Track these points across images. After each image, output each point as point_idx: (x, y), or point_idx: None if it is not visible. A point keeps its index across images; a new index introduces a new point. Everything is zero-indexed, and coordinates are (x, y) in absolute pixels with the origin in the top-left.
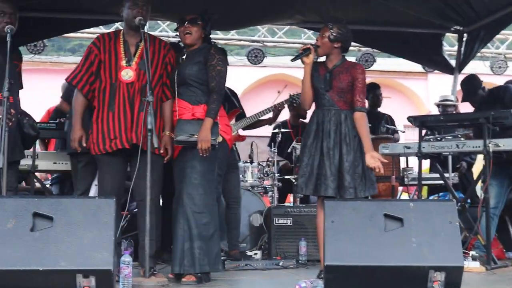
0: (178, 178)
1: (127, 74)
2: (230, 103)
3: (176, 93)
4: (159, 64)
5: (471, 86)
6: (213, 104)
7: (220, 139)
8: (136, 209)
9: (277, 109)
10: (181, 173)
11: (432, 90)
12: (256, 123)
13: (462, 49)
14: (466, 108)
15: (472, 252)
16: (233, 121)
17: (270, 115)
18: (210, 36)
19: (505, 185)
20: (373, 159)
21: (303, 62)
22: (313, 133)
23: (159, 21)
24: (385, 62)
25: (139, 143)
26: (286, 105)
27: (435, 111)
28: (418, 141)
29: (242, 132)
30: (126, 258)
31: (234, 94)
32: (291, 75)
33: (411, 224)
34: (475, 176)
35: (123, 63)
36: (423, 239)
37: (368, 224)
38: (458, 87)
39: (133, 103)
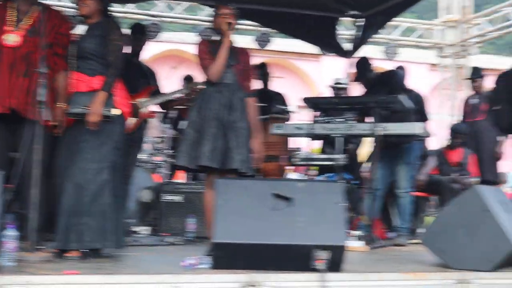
0: (70, 151)
1: (11, 39)
2: (145, 80)
3: (75, 66)
4: (52, 33)
5: (362, 67)
6: (109, 78)
7: (118, 111)
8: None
9: (192, 90)
10: (74, 146)
11: (325, 72)
12: (169, 102)
13: (357, 33)
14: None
15: (355, 232)
16: (146, 98)
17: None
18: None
19: (388, 168)
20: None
21: (225, 34)
22: (218, 105)
23: None
24: (279, 43)
25: (19, 110)
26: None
27: (327, 93)
28: (309, 122)
29: None
30: (10, 232)
31: (151, 72)
32: (187, 51)
33: (298, 204)
34: (362, 158)
35: (8, 27)
36: (309, 218)
37: (257, 203)
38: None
39: (13, 68)
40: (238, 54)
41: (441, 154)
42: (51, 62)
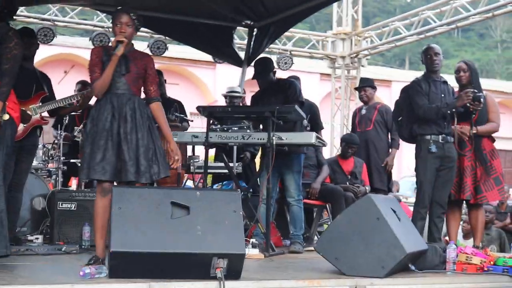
0: None
1: None
2: (38, 85)
3: None
4: None
5: (265, 67)
6: (5, 87)
7: (6, 117)
8: None
9: (85, 97)
10: None
11: (220, 79)
12: (61, 109)
13: (252, 43)
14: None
15: (252, 240)
16: (39, 103)
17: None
18: None
19: (276, 175)
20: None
21: (113, 54)
22: (110, 117)
23: None
24: (175, 49)
25: None
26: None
27: (221, 100)
28: (205, 131)
29: None
30: None
31: (45, 77)
32: (79, 55)
33: (197, 212)
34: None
35: None
36: (208, 227)
37: (155, 212)
38: (246, 79)
39: None
40: (134, 61)
41: (334, 163)
42: None
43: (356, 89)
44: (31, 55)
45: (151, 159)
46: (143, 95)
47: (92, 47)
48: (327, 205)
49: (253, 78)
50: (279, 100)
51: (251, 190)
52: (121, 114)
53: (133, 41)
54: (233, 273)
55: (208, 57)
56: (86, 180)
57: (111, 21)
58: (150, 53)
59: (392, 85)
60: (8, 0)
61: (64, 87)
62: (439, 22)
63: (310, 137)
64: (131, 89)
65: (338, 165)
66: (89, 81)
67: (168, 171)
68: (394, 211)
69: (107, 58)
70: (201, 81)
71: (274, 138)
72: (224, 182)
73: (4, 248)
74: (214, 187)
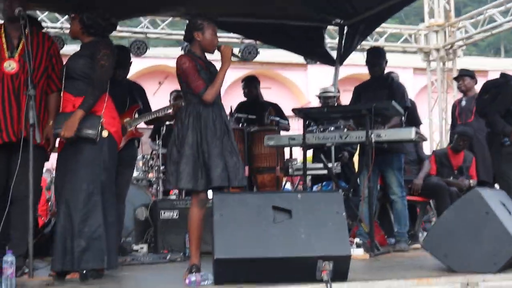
0: (61, 173)
1: (10, 66)
2: (132, 98)
3: (63, 86)
4: (44, 56)
5: (378, 54)
6: (89, 97)
7: (105, 133)
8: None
9: (177, 106)
10: (64, 168)
11: (312, 81)
12: (156, 119)
13: (343, 42)
14: (346, 99)
15: (356, 240)
16: (134, 116)
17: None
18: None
19: (376, 173)
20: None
21: (227, 60)
22: (215, 124)
23: (37, 11)
24: (265, 53)
25: (27, 137)
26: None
27: (314, 101)
28: (302, 133)
29: None
30: (9, 257)
31: (139, 89)
32: (172, 66)
33: (299, 216)
34: (355, 165)
35: (6, 54)
36: (311, 229)
37: (256, 217)
38: (339, 78)
39: (18, 96)
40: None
41: (443, 155)
42: (45, 85)
43: (454, 79)
44: (124, 69)
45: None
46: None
47: None
48: (430, 201)
49: (366, 63)
50: (382, 95)
51: (351, 190)
52: (222, 122)
53: None
54: (340, 275)
55: (299, 59)
56: (186, 189)
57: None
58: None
59: (488, 74)
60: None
61: (159, 98)
62: None
63: (409, 133)
64: (220, 98)
65: (447, 158)
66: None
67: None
68: (504, 204)
69: (199, 65)
70: (293, 83)
71: (372, 136)
72: (324, 183)
73: (101, 261)
74: (314, 188)
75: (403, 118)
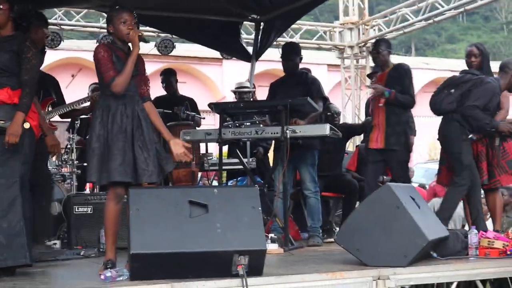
0: None
1: None
2: (45, 91)
3: None
4: None
5: (294, 49)
6: (26, 98)
7: (27, 125)
8: None
9: (94, 99)
10: None
11: (227, 76)
12: (72, 112)
13: (259, 37)
14: (262, 95)
15: (271, 235)
16: (47, 109)
17: (87, 104)
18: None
19: (290, 168)
20: (178, 146)
21: (135, 46)
22: (125, 119)
23: None
24: (180, 48)
25: None
26: None
27: (229, 97)
28: (218, 128)
29: None
30: None
31: (53, 81)
32: (86, 58)
33: (215, 210)
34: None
35: None
36: (227, 224)
37: (173, 211)
38: (255, 73)
39: None
40: (139, 62)
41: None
42: None
43: (368, 75)
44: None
45: (158, 158)
46: None
47: None
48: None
49: (280, 57)
50: (297, 92)
51: (266, 185)
52: (134, 115)
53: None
54: (255, 269)
55: (214, 54)
56: (103, 183)
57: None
58: (157, 53)
59: None
60: (25, 13)
61: (72, 91)
62: (446, 7)
63: (324, 129)
64: (137, 91)
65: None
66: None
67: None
68: (413, 199)
69: (116, 57)
70: (208, 78)
71: (288, 131)
72: (239, 178)
73: (23, 258)
74: (229, 183)
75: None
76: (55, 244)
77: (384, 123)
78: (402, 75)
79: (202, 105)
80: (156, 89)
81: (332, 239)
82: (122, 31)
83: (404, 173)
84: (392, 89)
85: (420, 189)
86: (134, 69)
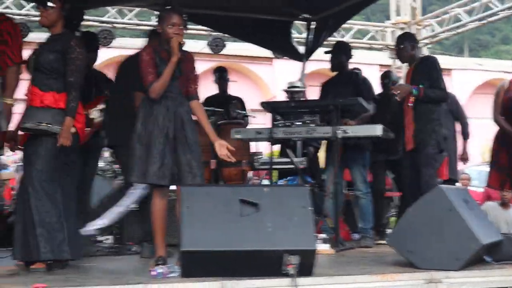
0: (25, 164)
1: None
2: (98, 89)
3: (31, 78)
4: None
5: (341, 48)
6: (73, 102)
7: (73, 130)
8: None
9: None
10: (27, 160)
11: (278, 75)
12: None
13: (310, 37)
14: (312, 94)
15: (321, 235)
16: (100, 107)
17: None
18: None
19: (341, 169)
20: (222, 147)
21: (174, 53)
22: (166, 121)
23: None
24: (232, 47)
25: None
26: None
27: (280, 96)
28: (269, 126)
29: None
30: None
31: (106, 79)
32: None
33: (266, 209)
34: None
35: None
36: (277, 223)
37: (224, 209)
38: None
39: None
40: (184, 62)
41: None
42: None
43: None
44: (91, 59)
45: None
46: None
47: None
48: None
49: (325, 52)
50: (348, 92)
51: (317, 185)
52: (176, 117)
53: (192, 40)
54: (305, 269)
55: (266, 53)
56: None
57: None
58: (209, 51)
59: (452, 73)
60: (76, 11)
61: None
62: (501, 7)
63: (375, 130)
64: (182, 92)
65: None
66: None
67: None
68: (466, 202)
69: (160, 59)
70: (259, 77)
71: (339, 132)
72: (289, 178)
73: (63, 252)
74: (280, 182)
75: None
76: (107, 239)
77: (413, 122)
78: (429, 68)
79: (253, 104)
80: (207, 88)
81: (383, 241)
82: (168, 34)
83: (432, 175)
84: (420, 85)
85: (475, 191)
86: (176, 71)
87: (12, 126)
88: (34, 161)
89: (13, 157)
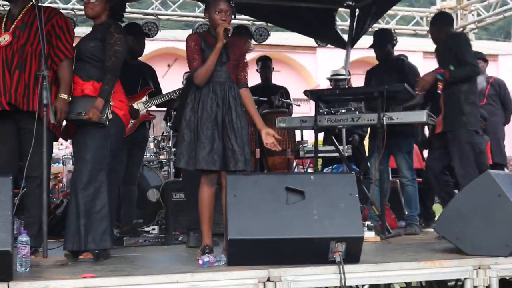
0: (74, 155)
1: (4, 39)
2: (144, 81)
3: (73, 68)
4: (47, 26)
5: (383, 37)
6: (107, 84)
7: (110, 116)
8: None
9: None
10: (75, 149)
11: (321, 64)
12: (169, 101)
13: (354, 24)
14: (357, 82)
15: (367, 222)
16: (145, 99)
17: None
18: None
19: (386, 156)
20: (269, 136)
21: (219, 39)
22: (214, 106)
23: None
24: (274, 36)
25: (18, 104)
26: None
27: (323, 84)
28: (314, 115)
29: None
30: (24, 237)
31: (151, 71)
32: (181, 48)
33: (312, 197)
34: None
35: (2, 30)
36: (324, 211)
37: (270, 198)
38: (350, 60)
39: (10, 64)
40: (232, 48)
41: None
42: (51, 56)
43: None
44: (138, 51)
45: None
46: None
47: None
48: None
49: (369, 47)
50: (393, 79)
51: (362, 173)
52: (224, 102)
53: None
54: (352, 256)
55: (308, 42)
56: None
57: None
58: (253, 41)
59: (499, 59)
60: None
61: (168, 81)
62: None
63: (421, 116)
64: (231, 77)
65: None
66: None
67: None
68: None
69: (206, 45)
70: (302, 66)
71: (384, 118)
72: (334, 166)
73: (106, 241)
74: (325, 170)
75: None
76: (153, 229)
77: (443, 105)
78: (453, 45)
79: (296, 93)
80: (250, 78)
81: (431, 228)
82: (215, 20)
83: (463, 158)
84: (451, 66)
85: None
86: (224, 56)
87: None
88: (81, 151)
89: (64, 151)
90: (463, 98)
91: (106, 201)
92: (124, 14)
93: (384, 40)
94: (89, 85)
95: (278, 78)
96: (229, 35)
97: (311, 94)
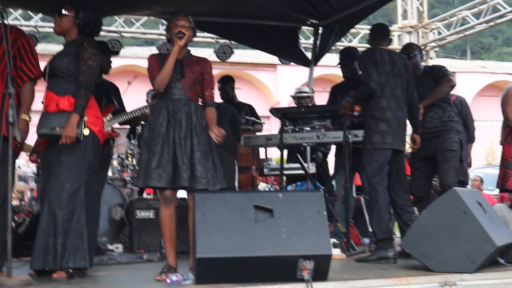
0: (45, 172)
1: None
2: (108, 98)
3: (46, 84)
4: (14, 48)
5: (350, 55)
6: (81, 99)
7: (86, 132)
8: None
9: (152, 107)
10: (48, 167)
11: (281, 81)
12: (133, 119)
13: (318, 42)
14: (319, 100)
15: (332, 240)
16: (109, 116)
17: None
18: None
19: (351, 173)
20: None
21: (173, 43)
22: (165, 123)
23: (11, 9)
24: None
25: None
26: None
27: (284, 102)
28: (278, 132)
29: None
30: None
31: (114, 89)
32: (142, 65)
33: (280, 215)
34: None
35: None
36: (292, 229)
37: (238, 216)
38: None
39: None
40: (191, 66)
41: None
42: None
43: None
44: (107, 69)
45: (209, 167)
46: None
47: None
48: None
49: (337, 65)
50: None
51: (327, 190)
52: (176, 119)
53: (199, 48)
54: (320, 274)
55: (269, 60)
56: (142, 187)
57: (165, 27)
58: (217, 59)
59: (456, 76)
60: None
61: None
62: (509, 8)
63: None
64: (187, 94)
65: None
66: None
67: (225, 183)
68: (480, 204)
69: (164, 61)
70: (263, 84)
71: (350, 136)
72: (298, 183)
73: (83, 260)
74: (288, 188)
75: None
76: (117, 248)
77: None
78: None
79: (258, 110)
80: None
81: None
82: (170, 34)
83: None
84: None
85: (487, 194)
86: (178, 73)
87: (31, 141)
88: (56, 169)
89: (24, 168)
90: (368, 115)
91: (85, 219)
92: (91, 31)
93: (351, 58)
94: (65, 100)
95: (239, 95)
96: (183, 38)
97: (277, 112)
